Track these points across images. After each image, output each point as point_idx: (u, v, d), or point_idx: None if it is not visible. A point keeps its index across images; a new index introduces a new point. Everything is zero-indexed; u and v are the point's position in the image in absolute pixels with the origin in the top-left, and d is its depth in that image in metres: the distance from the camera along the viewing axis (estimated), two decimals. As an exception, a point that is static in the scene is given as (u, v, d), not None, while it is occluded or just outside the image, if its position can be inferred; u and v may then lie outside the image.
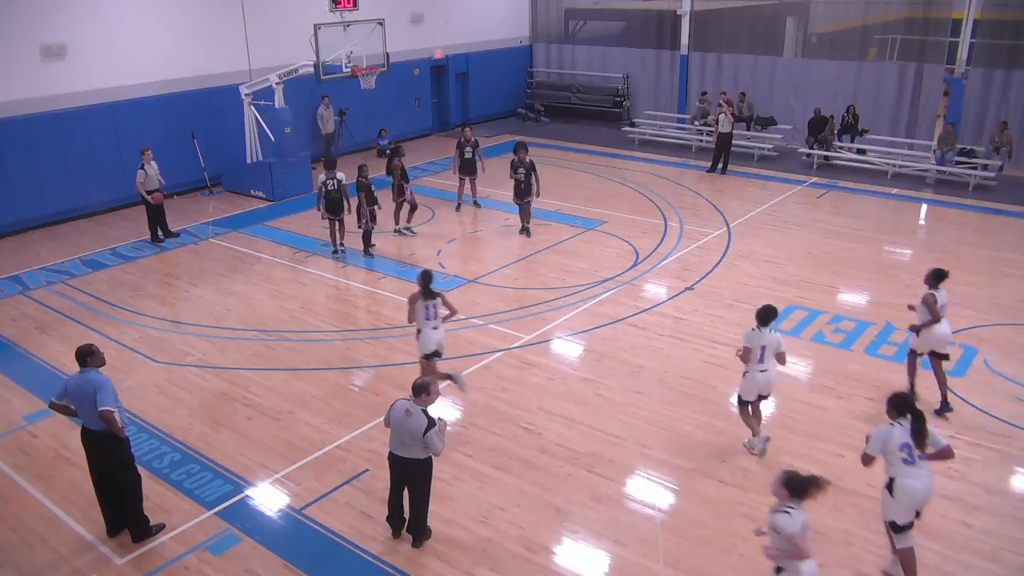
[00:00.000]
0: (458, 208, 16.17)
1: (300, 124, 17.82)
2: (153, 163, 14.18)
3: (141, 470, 7.93)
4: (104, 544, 7.03)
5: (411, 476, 6.71)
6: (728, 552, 6.82)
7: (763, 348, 7.70)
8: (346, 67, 15.97)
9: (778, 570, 5.35)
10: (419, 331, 8.70)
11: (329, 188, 13.26)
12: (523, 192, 14.18)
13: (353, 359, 10.27)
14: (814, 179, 18.42)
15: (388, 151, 20.92)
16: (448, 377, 9.01)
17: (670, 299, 11.91)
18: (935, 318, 8.47)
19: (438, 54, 23.44)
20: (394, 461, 6.72)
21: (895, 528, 6.21)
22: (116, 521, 7.08)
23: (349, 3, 15.71)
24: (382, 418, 6.95)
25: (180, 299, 12.40)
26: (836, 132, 19.44)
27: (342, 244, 13.91)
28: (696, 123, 21.56)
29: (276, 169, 17.09)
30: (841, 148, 19.45)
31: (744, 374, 7.88)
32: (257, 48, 18.23)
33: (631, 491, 7.67)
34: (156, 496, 7.60)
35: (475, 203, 16.42)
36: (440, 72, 23.90)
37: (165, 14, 16.85)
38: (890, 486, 6.11)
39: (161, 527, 7.18)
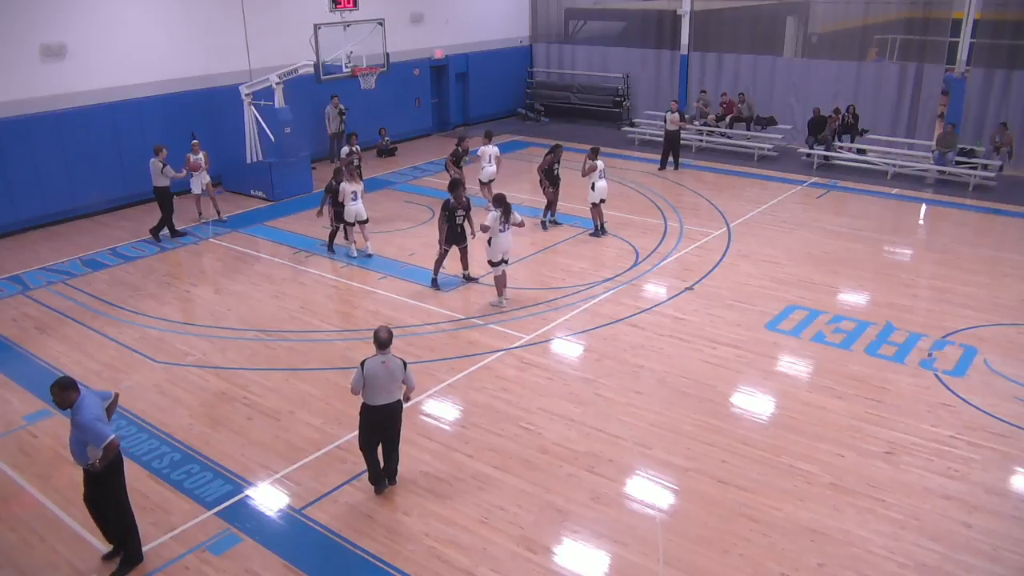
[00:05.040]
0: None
1: (300, 124, 17.80)
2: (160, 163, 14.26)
3: (141, 470, 7.96)
4: (104, 544, 7.00)
5: (395, 419, 7.38)
6: (728, 552, 6.82)
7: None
8: (346, 67, 15.97)
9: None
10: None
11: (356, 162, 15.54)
12: (462, 236, 12.34)
13: (353, 359, 10.20)
14: (814, 179, 18.42)
15: (387, 149, 21.11)
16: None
17: (670, 299, 11.91)
18: (586, 175, 14.20)
19: (438, 54, 23.44)
20: (381, 413, 7.22)
21: (491, 264, 11.39)
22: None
23: (349, 3, 15.71)
24: (352, 383, 7.15)
25: (180, 299, 12.39)
26: (836, 132, 19.42)
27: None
28: (695, 123, 21.55)
29: (276, 169, 17.09)
30: (841, 148, 19.45)
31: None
32: (257, 48, 18.23)
33: (631, 491, 7.67)
34: (156, 496, 7.60)
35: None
36: (440, 72, 23.90)
37: (165, 14, 16.85)
38: (489, 241, 11.16)
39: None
